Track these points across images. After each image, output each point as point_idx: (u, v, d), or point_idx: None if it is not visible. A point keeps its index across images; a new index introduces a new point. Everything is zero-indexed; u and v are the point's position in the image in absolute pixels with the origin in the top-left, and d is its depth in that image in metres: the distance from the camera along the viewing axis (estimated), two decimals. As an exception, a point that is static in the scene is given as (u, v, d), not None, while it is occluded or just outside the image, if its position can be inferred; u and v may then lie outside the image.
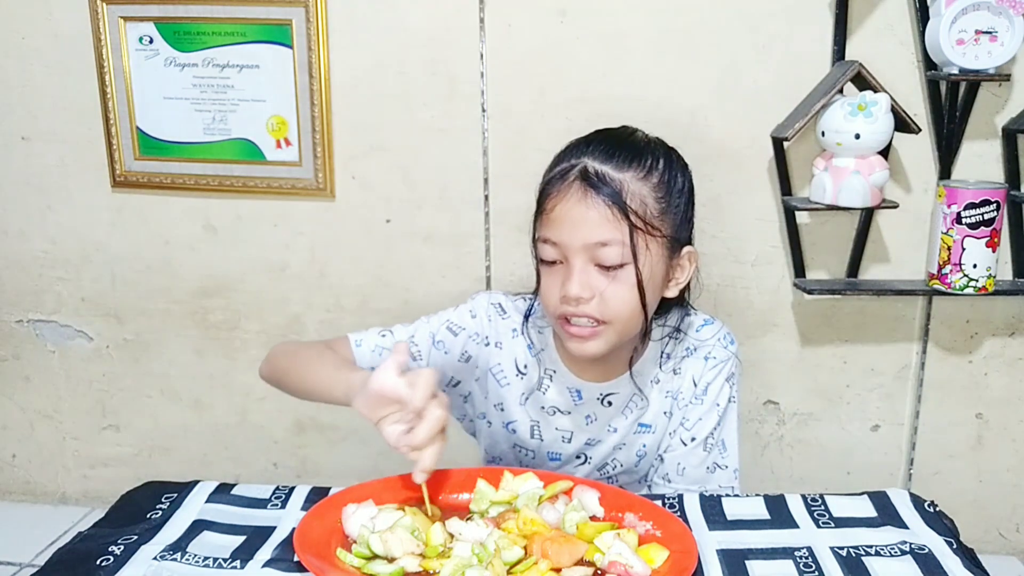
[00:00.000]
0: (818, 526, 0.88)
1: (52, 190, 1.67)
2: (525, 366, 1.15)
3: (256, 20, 1.52)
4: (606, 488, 0.91)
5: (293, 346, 1.13)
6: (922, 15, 1.41)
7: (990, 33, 1.34)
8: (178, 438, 1.79)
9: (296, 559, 0.78)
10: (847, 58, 1.44)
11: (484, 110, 1.54)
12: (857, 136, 1.35)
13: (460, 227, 1.59)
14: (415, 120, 1.55)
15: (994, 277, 1.44)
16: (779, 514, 0.90)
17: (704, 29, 1.47)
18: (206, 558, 0.81)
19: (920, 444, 1.64)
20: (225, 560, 0.81)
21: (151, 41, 1.56)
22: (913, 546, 0.83)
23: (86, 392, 1.78)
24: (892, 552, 0.82)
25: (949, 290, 1.44)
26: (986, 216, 1.39)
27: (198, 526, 0.87)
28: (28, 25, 1.59)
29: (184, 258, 1.68)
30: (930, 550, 0.82)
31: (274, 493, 0.94)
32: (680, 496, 0.95)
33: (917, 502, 0.92)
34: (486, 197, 1.57)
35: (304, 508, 0.90)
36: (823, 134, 1.39)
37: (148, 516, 0.89)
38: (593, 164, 1.01)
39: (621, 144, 1.05)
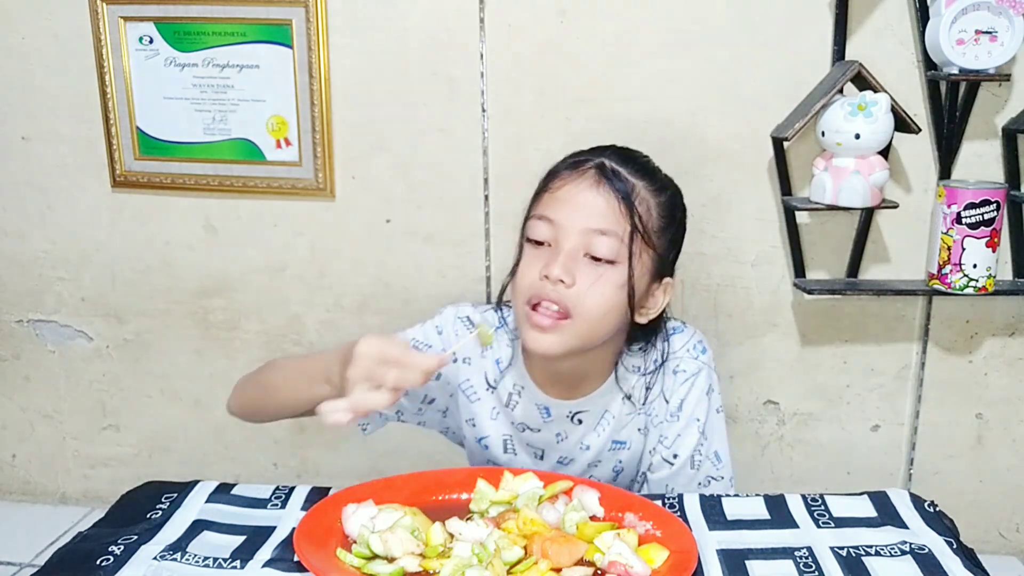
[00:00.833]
0: (818, 526, 0.88)
1: (52, 190, 1.67)
2: (495, 380, 1.13)
3: (256, 20, 1.52)
4: (606, 488, 0.91)
5: (252, 374, 1.12)
6: (922, 15, 1.41)
7: (990, 33, 1.34)
8: (178, 438, 1.79)
9: (296, 559, 0.78)
10: (847, 58, 1.44)
11: (484, 110, 1.54)
12: (857, 136, 1.35)
13: (460, 227, 1.59)
14: (415, 120, 1.55)
15: (994, 277, 1.44)
16: (779, 514, 0.90)
17: (704, 29, 1.47)
18: (206, 558, 0.81)
19: (920, 444, 1.64)
20: (225, 560, 0.81)
21: (151, 41, 1.56)
22: (913, 546, 0.83)
23: (86, 392, 1.78)
24: (892, 552, 0.82)
25: (949, 290, 1.44)
26: (986, 216, 1.39)
27: (198, 526, 0.87)
28: (28, 25, 1.59)
29: (184, 258, 1.68)
30: (930, 550, 0.83)
31: (274, 493, 0.94)
32: (680, 496, 0.95)
33: (917, 502, 0.92)
34: (486, 197, 1.57)
35: (304, 508, 0.90)
36: (823, 134, 1.39)
37: (148, 516, 0.89)
38: (610, 163, 1.02)
39: (636, 159, 1.07)
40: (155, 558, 0.80)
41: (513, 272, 1.07)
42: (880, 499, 0.93)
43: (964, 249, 1.41)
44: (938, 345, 1.59)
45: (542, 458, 1.14)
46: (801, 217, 1.52)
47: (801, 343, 1.60)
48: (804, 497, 0.93)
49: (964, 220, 1.39)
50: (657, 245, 1.02)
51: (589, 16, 1.48)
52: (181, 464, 1.79)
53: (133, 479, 1.01)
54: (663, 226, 1.03)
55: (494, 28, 1.50)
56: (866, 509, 0.91)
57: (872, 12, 1.44)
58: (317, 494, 0.92)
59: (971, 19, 1.33)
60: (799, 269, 1.53)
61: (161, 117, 1.60)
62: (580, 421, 1.11)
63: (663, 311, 1.09)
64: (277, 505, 0.92)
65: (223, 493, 0.93)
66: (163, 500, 0.92)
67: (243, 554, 0.82)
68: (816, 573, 0.79)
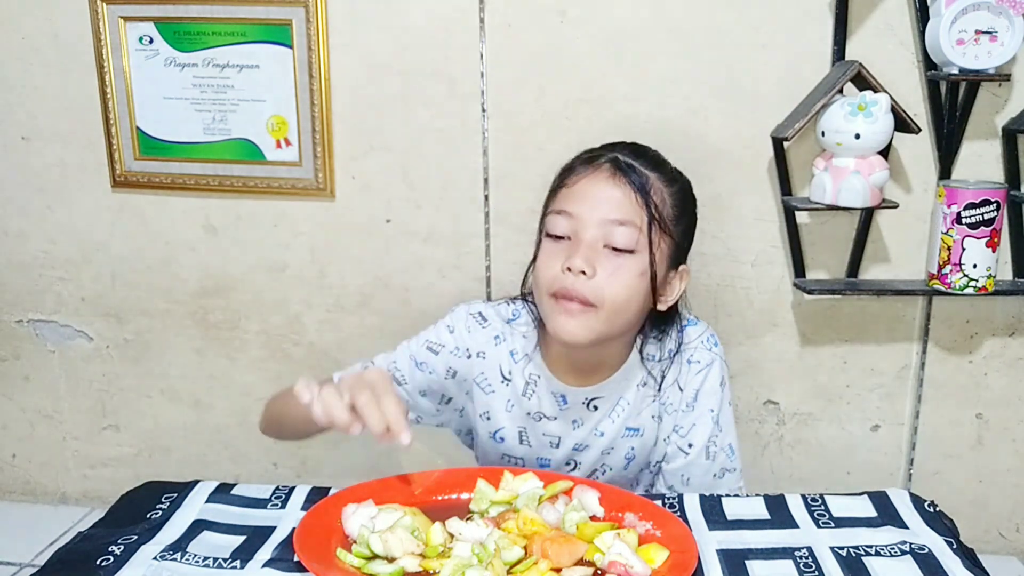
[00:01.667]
0: (818, 526, 0.88)
1: (52, 190, 1.67)
2: (510, 372, 1.15)
3: (256, 20, 1.52)
4: (606, 488, 0.91)
5: (275, 400, 1.16)
6: (922, 15, 1.41)
7: (990, 33, 1.34)
8: (178, 438, 1.79)
9: (296, 559, 0.78)
10: (847, 58, 1.44)
11: (484, 110, 1.54)
12: (857, 136, 1.35)
13: (460, 227, 1.59)
14: (415, 120, 1.55)
15: (994, 277, 1.44)
16: (779, 514, 0.90)
17: (704, 29, 1.47)
18: (206, 558, 0.81)
19: (920, 444, 1.64)
20: (225, 560, 0.81)
21: (151, 41, 1.56)
22: (913, 546, 0.83)
23: (86, 392, 1.78)
24: (892, 552, 0.82)
25: (949, 290, 1.44)
26: (986, 216, 1.39)
27: (198, 526, 0.87)
28: (28, 25, 1.59)
29: (184, 258, 1.68)
30: (930, 550, 0.83)
31: (274, 493, 0.94)
32: (680, 496, 0.95)
33: (917, 502, 0.92)
34: (486, 197, 1.57)
35: (304, 508, 0.90)
36: (823, 134, 1.39)
37: (148, 516, 0.89)
38: (623, 157, 1.06)
39: (648, 152, 1.11)
40: (155, 558, 0.80)
41: (532, 265, 1.11)
42: (880, 499, 0.93)
43: (964, 249, 1.41)
44: (938, 345, 1.59)
45: (558, 446, 1.16)
46: (801, 217, 1.52)
47: (801, 343, 1.60)
48: (804, 497, 0.93)
49: (964, 220, 1.39)
50: (673, 232, 1.07)
51: (589, 16, 1.48)
52: (181, 464, 1.79)
53: (133, 479, 1.01)
54: (677, 215, 1.08)
55: (494, 28, 1.50)
56: (866, 509, 0.91)
57: (872, 12, 1.44)
58: (317, 494, 0.93)
59: (971, 19, 1.33)
60: (799, 269, 1.53)
61: (161, 117, 1.60)
62: (596, 407, 1.14)
63: (679, 299, 1.14)
64: (277, 505, 0.92)
65: (223, 493, 0.93)
66: (163, 500, 0.92)
67: (243, 554, 0.82)
68: (816, 573, 0.79)
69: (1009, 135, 1.47)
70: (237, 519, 0.89)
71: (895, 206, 1.43)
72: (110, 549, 0.82)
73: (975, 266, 1.41)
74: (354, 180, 1.59)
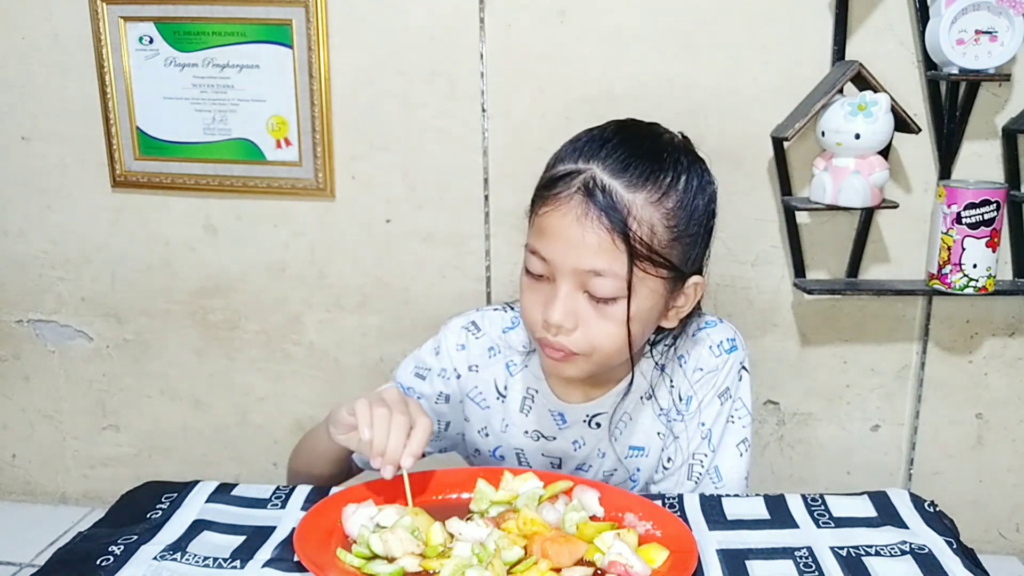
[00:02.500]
0: (818, 526, 0.87)
1: (52, 190, 1.67)
2: (505, 387, 1.06)
3: (256, 20, 1.52)
4: (606, 488, 0.91)
5: (292, 454, 1.11)
6: (922, 15, 1.41)
7: (990, 33, 1.34)
8: (178, 438, 1.79)
9: (296, 559, 0.78)
10: (847, 58, 1.44)
11: (484, 110, 1.54)
12: (857, 136, 1.35)
13: (460, 227, 1.59)
14: (415, 120, 1.55)
15: (994, 277, 1.44)
16: (779, 514, 0.90)
17: (704, 29, 1.47)
18: (206, 558, 0.81)
19: (920, 444, 1.64)
20: (225, 560, 0.81)
21: (151, 41, 1.56)
22: (913, 546, 0.83)
23: (86, 392, 1.78)
24: (892, 552, 0.82)
25: (949, 290, 1.44)
26: (986, 216, 1.39)
27: (198, 526, 0.87)
28: (28, 25, 1.59)
29: (184, 258, 1.68)
30: (930, 550, 0.82)
31: (274, 493, 0.94)
32: (680, 496, 0.94)
33: (917, 502, 0.92)
34: (486, 197, 1.57)
35: (304, 508, 0.90)
36: (823, 134, 1.39)
37: (148, 516, 0.89)
38: (602, 176, 0.88)
39: (641, 153, 0.90)
40: (155, 558, 0.80)
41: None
42: (880, 499, 0.93)
43: (964, 249, 1.41)
44: (938, 345, 1.59)
45: (559, 467, 1.08)
46: (801, 217, 1.52)
47: (801, 343, 1.60)
48: (804, 497, 0.93)
49: (964, 220, 1.39)
50: (670, 257, 0.90)
51: (589, 16, 1.48)
52: (181, 464, 1.79)
53: (133, 479, 1.01)
54: (674, 236, 0.90)
55: (494, 28, 1.50)
56: (866, 509, 0.91)
57: (872, 12, 1.44)
58: (317, 494, 0.92)
59: (971, 19, 1.33)
60: (799, 269, 1.53)
61: (161, 117, 1.60)
62: (598, 424, 1.04)
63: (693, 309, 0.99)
64: (277, 505, 0.91)
65: (223, 493, 0.93)
66: (163, 500, 0.92)
67: (243, 554, 0.82)
68: (816, 573, 0.79)
69: (1009, 135, 1.47)
70: (237, 519, 0.89)
71: (895, 206, 1.43)
72: (110, 549, 0.82)
73: (975, 266, 1.41)
74: (354, 180, 1.59)
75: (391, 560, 0.78)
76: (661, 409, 1.04)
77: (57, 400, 1.80)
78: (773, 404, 1.64)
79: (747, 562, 0.81)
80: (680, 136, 0.98)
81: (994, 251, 1.41)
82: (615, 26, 1.48)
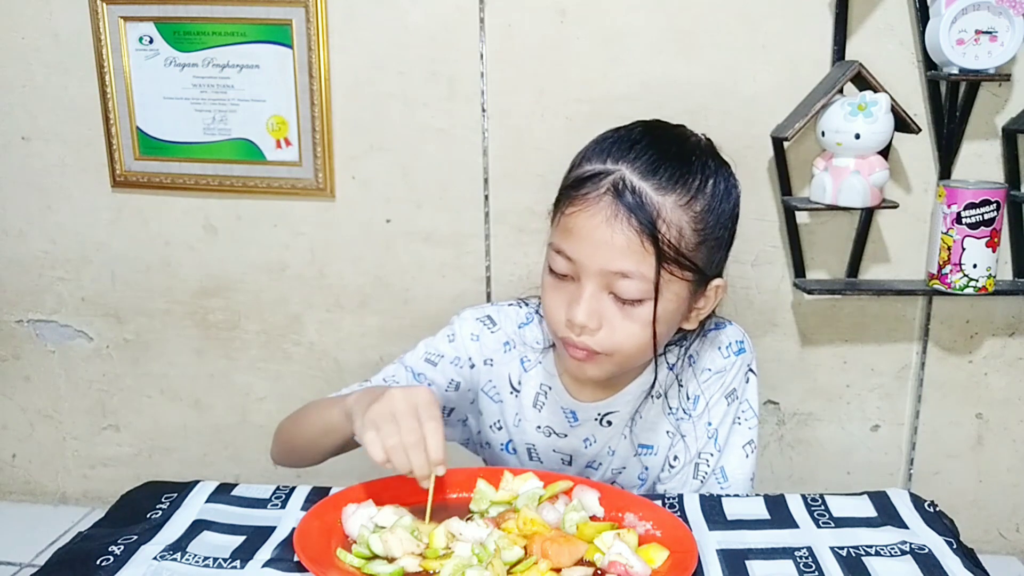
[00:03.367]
0: (818, 526, 0.87)
1: (52, 190, 1.67)
2: (519, 382, 1.07)
3: (256, 20, 1.52)
4: (606, 488, 0.91)
5: (289, 417, 1.07)
6: (922, 15, 1.41)
7: (990, 33, 1.34)
8: (178, 438, 1.79)
9: (296, 559, 0.78)
10: (847, 58, 1.44)
11: (484, 110, 1.54)
12: (857, 136, 1.35)
13: (460, 227, 1.59)
14: (415, 120, 1.55)
15: (994, 277, 1.44)
16: (779, 514, 0.90)
17: (704, 29, 1.47)
18: (206, 558, 0.81)
19: (920, 444, 1.64)
20: (225, 560, 0.81)
21: (151, 41, 1.56)
22: (913, 546, 0.83)
23: (86, 392, 1.78)
24: (892, 552, 0.82)
25: (949, 290, 1.44)
26: (986, 216, 1.39)
27: (198, 526, 0.87)
28: (28, 25, 1.59)
29: (184, 258, 1.68)
30: (930, 550, 0.82)
31: (274, 493, 0.94)
32: (680, 496, 0.94)
33: (917, 502, 0.92)
34: (486, 197, 1.57)
35: (304, 508, 0.90)
36: (823, 134, 1.39)
37: (148, 516, 0.89)
38: (632, 177, 0.88)
39: (669, 156, 0.91)
40: (155, 558, 0.80)
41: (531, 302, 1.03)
42: (880, 499, 0.93)
43: (964, 249, 1.41)
44: (938, 345, 1.59)
45: (570, 463, 1.08)
46: (801, 217, 1.52)
47: (801, 343, 1.60)
48: (804, 497, 0.93)
49: (964, 220, 1.39)
50: (696, 260, 0.90)
51: (589, 16, 1.48)
52: (181, 464, 1.79)
53: (133, 479, 1.01)
54: (700, 240, 0.90)
55: (494, 28, 1.50)
56: (866, 509, 0.91)
57: (872, 12, 1.44)
58: (317, 494, 0.92)
59: (971, 19, 1.33)
60: (799, 269, 1.53)
61: (161, 117, 1.60)
62: (609, 423, 1.05)
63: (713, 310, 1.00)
64: (277, 505, 0.91)
65: (223, 493, 0.93)
66: (163, 500, 0.92)
67: (243, 554, 0.82)
68: (816, 573, 0.79)
69: (1009, 135, 1.47)
70: (237, 519, 0.88)
71: (895, 206, 1.43)
72: (110, 549, 0.82)
73: (975, 266, 1.41)
74: (354, 180, 1.59)
75: (391, 560, 0.78)
76: (671, 408, 1.04)
77: (57, 400, 1.80)
78: (773, 404, 1.64)
79: (747, 562, 0.81)
80: (705, 139, 0.99)
81: (994, 251, 1.41)
82: (615, 26, 1.48)
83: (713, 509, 0.91)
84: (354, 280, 1.65)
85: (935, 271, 1.45)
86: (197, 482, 0.95)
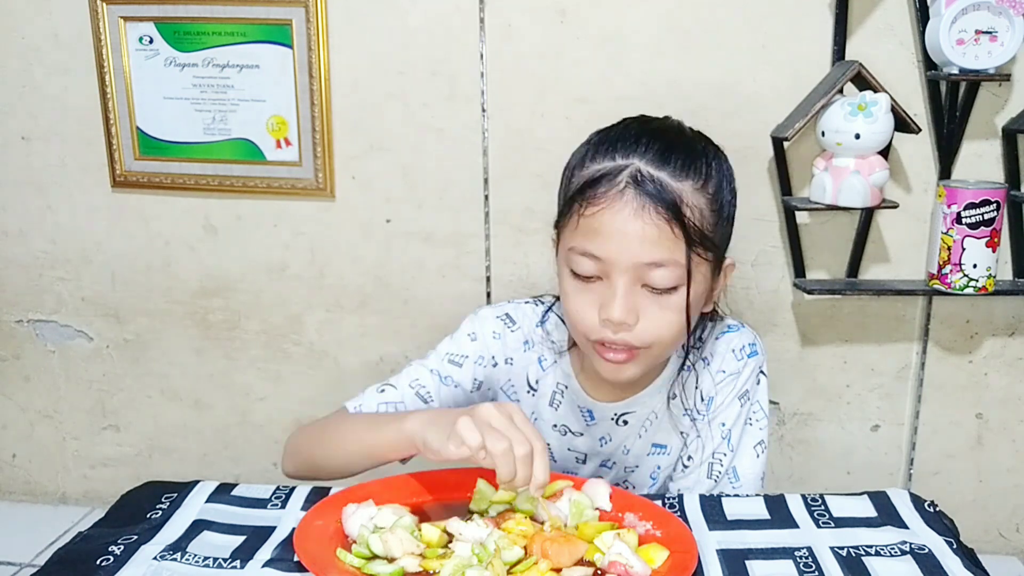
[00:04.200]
0: (818, 526, 0.87)
1: (52, 190, 1.67)
2: (536, 381, 1.07)
3: (256, 20, 1.52)
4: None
5: (309, 430, 1.06)
6: (922, 15, 1.41)
7: (990, 33, 1.34)
8: (178, 438, 1.79)
9: (296, 559, 0.78)
10: (847, 58, 1.44)
11: (484, 110, 1.54)
12: (857, 136, 1.35)
13: (460, 227, 1.59)
14: (415, 120, 1.55)
15: (994, 277, 1.44)
16: (779, 514, 0.90)
17: (704, 29, 1.47)
18: (206, 558, 0.81)
19: (920, 444, 1.64)
20: (225, 560, 0.81)
21: (151, 41, 1.56)
22: (913, 546, 0.83)
23: (86, 392, 1.78)
24: (892, 552, 0.82)
25: (949, 290, 1.44)
26: (986, 216, 1.39)
27: (198, 526, 0.87)
28: (28, 25, 1.59)
29: (184, 258, 1.68)
30: (930, 550, 0.82)
31: (274, 493, 0.94)
32: (680, 496, 0.94)
33: (917, 502, 0.92)
34: (486, 197, 1.57)
35: (304, 508, 0.90)
36: (823, 134, 1.39)
37: (148, 516, 0.89)
38: (647, 168, 0.89)
39: (674, 145, 0.93)
40: (155, 558, 0.80)
41: (535, 300, 1.03)
42: (880, 499, 0.93)
43: (964, 249, 1.41)
44: (938, 345, 1.59)
45: (584, 462, 1.09)
46: (801, 217, 1.52)
47: (801, 343, 1.60)
48: (804, 497, 0.93)
49: (964, 220, 1.39)
50: (716, 240, 0.93)
51: (589, 16, 1.48)
52: (181, 464, 1.79)
53: (133, 479, 1.01)
54: (717, 220, 0.93)
55: (494, 28, 1.50)
56: (866, 509, 0.91)
57: (872, 12, 1.44)
58: (317, 494, 0.92)
59: (971, 19, 1.33)
60: (799, 269, 1.53)
61: (161, 117, 1.60)
62: (625, 422, 1.05)
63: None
64: (277, 505, 0.91)
65: (223, 493, 0.93)
66: (163, 500, 0.92)
67: (243, 554, 0.82)
68: (816, 573, 0.79)
69: (1009, 135, 1.47)
70: (237, 519, 0.89)
71: (895, 206, 1.43)
72: (110, 549, 0.82)
73: (975, 266, 1.41)
74: (354, 180, 1.59)
75: (391, 560, 0.78)
76: (685, 409, 1.05)
77: (57, 400, 1.80)
78: (773, 404, 1.64)
79: (747, 562, 0.81)
80: (694, 130, 1.02)
81: (994, 251, 1.41)
82: (615, 26, 1.48)
83: (713, 509, 0.91)
84: (354, 280, 1.65)
85: (935, 271, 1.45)
86: (197, 482, 0.95)
